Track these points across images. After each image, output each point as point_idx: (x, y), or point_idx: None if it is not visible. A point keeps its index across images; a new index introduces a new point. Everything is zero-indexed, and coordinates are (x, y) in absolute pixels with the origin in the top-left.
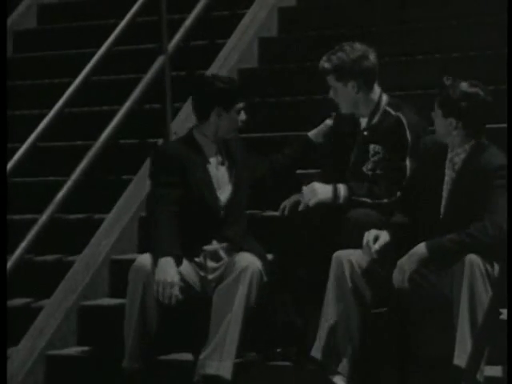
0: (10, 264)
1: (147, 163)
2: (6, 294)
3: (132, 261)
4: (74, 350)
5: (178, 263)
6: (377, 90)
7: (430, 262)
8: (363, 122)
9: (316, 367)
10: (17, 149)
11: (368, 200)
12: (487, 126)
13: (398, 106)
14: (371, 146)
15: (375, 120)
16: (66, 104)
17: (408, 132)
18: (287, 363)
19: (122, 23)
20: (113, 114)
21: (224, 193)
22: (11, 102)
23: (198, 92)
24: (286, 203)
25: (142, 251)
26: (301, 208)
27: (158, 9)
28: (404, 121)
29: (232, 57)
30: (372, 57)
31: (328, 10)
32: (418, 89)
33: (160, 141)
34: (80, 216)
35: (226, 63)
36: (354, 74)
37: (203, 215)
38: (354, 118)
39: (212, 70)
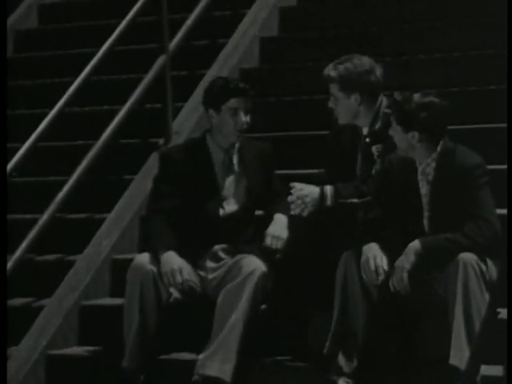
0: (10, 263)
1: (148, 163)
2: (7, 293)
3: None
4: (74, 350)
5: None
6: (378, 100)
7: (424, 258)
8: (364, 129)
9: (316, 368)
10: (17, 148)
11: (355, 200)
12: (488, 125)
13: None
14: (373, 148)
15: (376, 126)
16: (67, 104)
17: None
18: (288, 364)
19: (123, 23)
20: (114, 113)
21: (230, 203)
22: (12, 102)
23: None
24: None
25: (142, 251)
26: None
27: (159, 8)
28: None
29: (233, 56)
30: (378, 72)
31: (328, 9)
32: (418, 89)
33: (160, 140)
34: (81, 216)
35: (226, 63)
36: (358, 87)
37: (205, 224)
38: (354, 127)
39: (213, 70)
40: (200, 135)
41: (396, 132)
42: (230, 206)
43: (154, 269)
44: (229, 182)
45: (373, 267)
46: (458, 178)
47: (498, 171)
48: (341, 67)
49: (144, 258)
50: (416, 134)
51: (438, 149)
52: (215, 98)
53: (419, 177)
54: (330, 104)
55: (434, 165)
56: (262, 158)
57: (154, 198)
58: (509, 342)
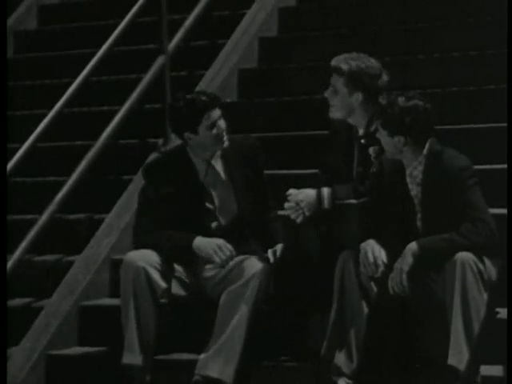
0: (10, 264)
1: None
2: (7, 294)
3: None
4: (74, 350)
5: None
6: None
7: (421, 259)
8: (360, 131)
9: (316, 368)
10: (17, 149)
11: (353, 201)
12: (487, 125)
13: None
14: (371, 149)
15: (372, 128)
16: (66, 104)
17: None
18: (288, 365)
19: (123, 23)
20: (113, 114)
21: (221, 213)
22: (11, 103)
23: (168, 120)
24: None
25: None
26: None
27: (158, 9)
28: None
29: (232, 57)
30: (385, 77)
31: (328, 9)
32: (418, 89)
33: (159, 141)
34: (80, 216)
35: (225, 63)
36: (363, 88)
37: (200, 233)
38: (350, 128)
39: (212, 71)
40: (178, 147)
41: (382, 136)
42: (222, 217)
43: (146, 264)
44: (217, 192)
45: (371, 259)
46: (447, 180)
47: (497, 171)
48: (353, 63)
49: (134, 255)
50: (401, 138)
51: (425, 152)
52: (188, 121)
53: (408, 179)
54: (327, 94)
55: (421, 168)
56: (248, 155)
57: (145, 211)
58: (509, 342)
